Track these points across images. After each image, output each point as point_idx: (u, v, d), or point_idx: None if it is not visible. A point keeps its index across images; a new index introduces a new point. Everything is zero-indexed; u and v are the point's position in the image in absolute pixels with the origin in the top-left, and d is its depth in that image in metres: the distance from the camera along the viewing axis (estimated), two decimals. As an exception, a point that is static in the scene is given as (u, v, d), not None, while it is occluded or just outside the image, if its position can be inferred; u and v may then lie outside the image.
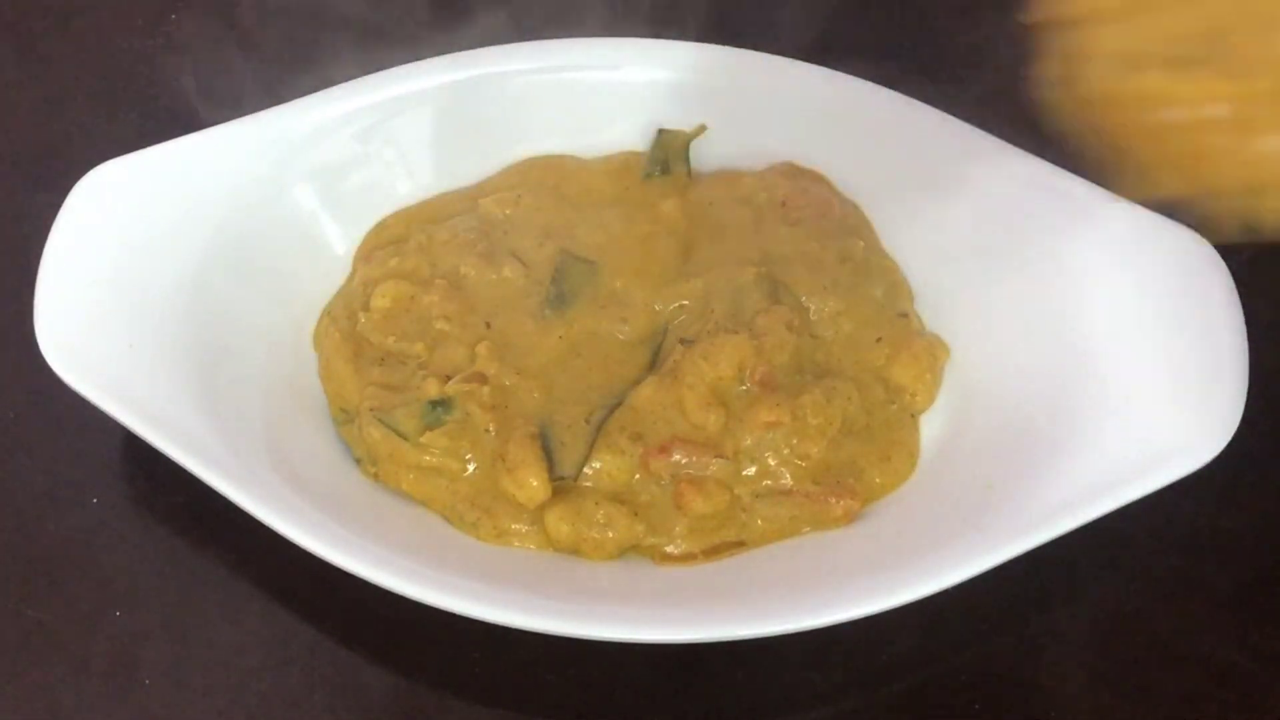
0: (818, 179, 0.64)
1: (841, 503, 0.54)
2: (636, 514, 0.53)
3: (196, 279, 0.57)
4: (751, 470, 0.55)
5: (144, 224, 0.57)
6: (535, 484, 0.53)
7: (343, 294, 0.61)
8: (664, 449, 0.54)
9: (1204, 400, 0.52)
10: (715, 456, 0.54)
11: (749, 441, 0.55)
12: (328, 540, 0.49)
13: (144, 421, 0.51)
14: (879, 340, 0.59)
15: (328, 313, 0.60)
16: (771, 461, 0.55)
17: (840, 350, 0.58)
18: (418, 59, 0.65)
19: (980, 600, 0.52)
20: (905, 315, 0.60)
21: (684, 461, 0.54)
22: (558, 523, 0.53)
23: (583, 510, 0.53)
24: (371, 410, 0.55)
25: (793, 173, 0.64)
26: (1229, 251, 0.56)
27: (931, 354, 0.58)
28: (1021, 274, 0.59)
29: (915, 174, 0.62)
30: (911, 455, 0.56)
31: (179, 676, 0.52)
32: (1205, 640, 0.54)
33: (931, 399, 0.58)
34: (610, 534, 0.53)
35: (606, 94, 0.65)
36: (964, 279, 0.61)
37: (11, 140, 0.71)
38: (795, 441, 0.55)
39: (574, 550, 0.53)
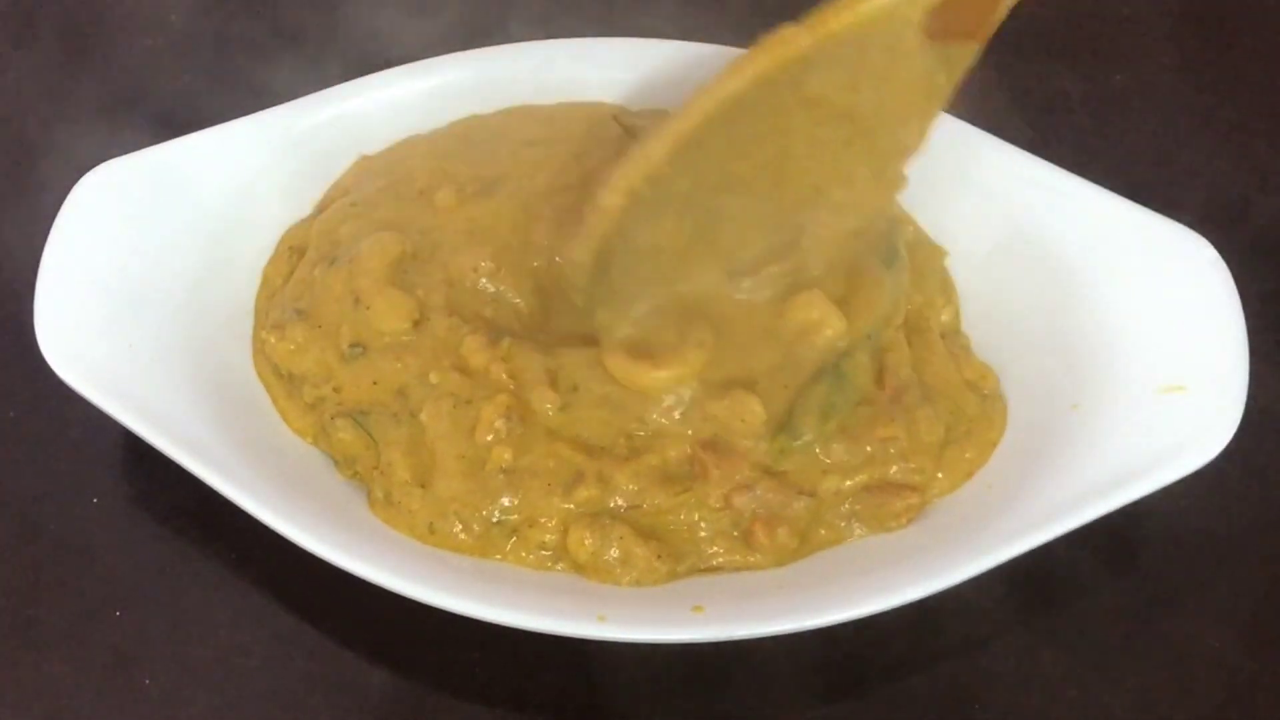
0: None
1: (902, 500, 0.53)
2: (661, 556, 0.51)
3: (196, 279, 0.57)
4: (840, 484, 0.53)
5: (144, 224, 0.57)
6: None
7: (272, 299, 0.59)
8: (749, 484, 0.52)
9: (1204, 400, 0.52)
10: (799, 494, 0.52)
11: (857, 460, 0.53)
12: (328, 541, 0.49)
13: (144, 421, 0.51)
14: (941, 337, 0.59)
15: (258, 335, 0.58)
16: (890, 470, 0.53)
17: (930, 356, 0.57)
18: (418, 59, 0.65)
19: (980, 600, 0.52)
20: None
21: (769, 498, 0.52)
22: (579, 545, 0.51)
23: (606, 540, 0.51)
24: (335, 416, 0.54)
25: None
26: (1229, 251, 0.56)
27: (965, 348, 0.58)
28: (1021, 274, 0.59)
29: (921, 175, 0.62)
30: (993, 447, 0.55)
31: (179, 676, 0.52)
32: (1205, 640, 0.54)
33: (993, 370, 0.57)
34: (628, 570, 0.51)
35: (614, 94, 0.66)
36: (965, 279, 0.61)
37: (12, 140, 0.71)
38: (909, 456, 0.53)
39: (582, 572, 0.51)
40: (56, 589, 0.54)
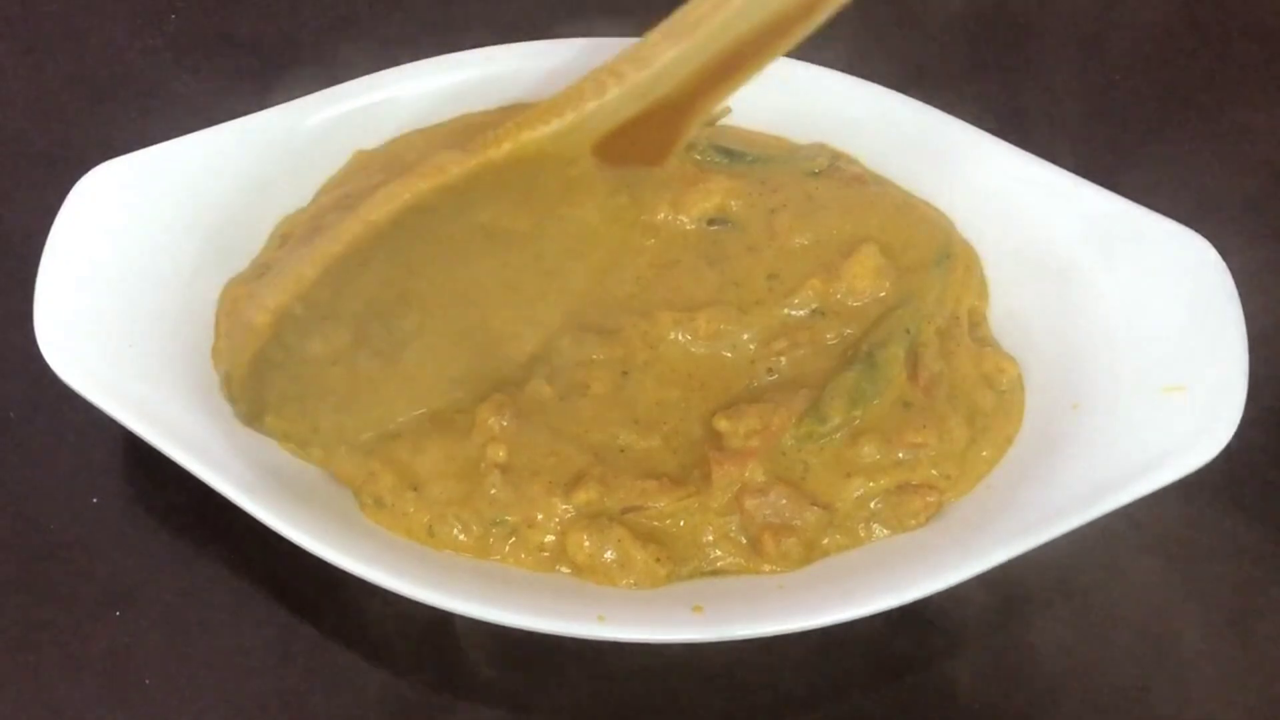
0: (851, 159, 0.63)
1: (921, 499, 0.52)
2: (660, 559, 0.51)
3: (196, 279, 0.57)
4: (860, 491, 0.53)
5: (144, 224, 0.57)
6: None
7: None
8: (763, 489, 0.52)
9: (1204, 400, 0.52)
10: (813, 506, 0.52)
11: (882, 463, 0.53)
12: (328, 541, 0.49)
13: (144, 421, 0.51)
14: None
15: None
16: (918, 474, 0.53)
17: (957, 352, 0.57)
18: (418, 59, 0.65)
19: (980, 600, 0.52)
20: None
21: (781, 505, 0.52)
22: (577, 547, 0.51)
23: (604, 543, 0.50)
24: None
25: (829, 151, 0.63)
26: (1229, 251, 0.56)
27: (984, 340, 0.58)
28: (1021, 274, 0.59)
29: (922, 175, 0.62)
30: (1009, 443, 0.55)
31: (179, 676, 0.52)
32: (1205, 640, 0.54)
33: (1010, 357, 0.57)
34: (627, 573, 0.51)
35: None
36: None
37: (11, 140, 0.71)
38: (939, 462, 0.53)
39: (581, 574, 0.51)
40: (56, 589, 0.54)
